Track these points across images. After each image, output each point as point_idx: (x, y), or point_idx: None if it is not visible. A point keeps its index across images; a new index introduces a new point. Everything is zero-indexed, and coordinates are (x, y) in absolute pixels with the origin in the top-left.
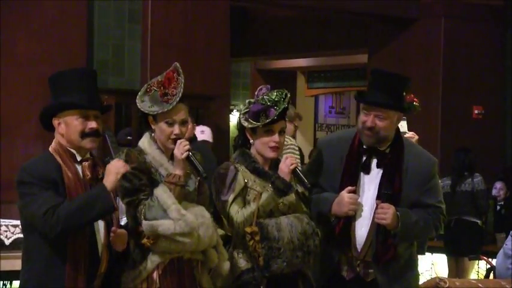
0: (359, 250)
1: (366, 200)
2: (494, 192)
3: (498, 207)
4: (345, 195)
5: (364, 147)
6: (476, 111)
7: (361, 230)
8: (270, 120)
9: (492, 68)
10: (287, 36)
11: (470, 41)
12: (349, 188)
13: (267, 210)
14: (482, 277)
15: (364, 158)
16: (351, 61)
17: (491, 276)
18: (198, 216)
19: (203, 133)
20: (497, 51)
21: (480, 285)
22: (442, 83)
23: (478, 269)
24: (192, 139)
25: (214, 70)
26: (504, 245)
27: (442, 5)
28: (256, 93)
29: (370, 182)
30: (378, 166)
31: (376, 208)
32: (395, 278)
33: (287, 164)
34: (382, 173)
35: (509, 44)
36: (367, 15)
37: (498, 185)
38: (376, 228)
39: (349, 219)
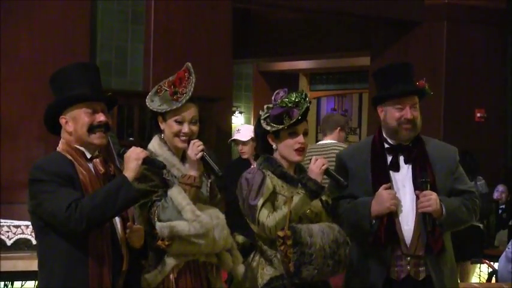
0: (408, 245)
1: (404, 196)
2: (496, 195)
3: (500, 211)
4: (383, 191)
5: (387, 146)
6: (478, 114)
7: (407, 225)
8: (294, 120)
9: (495, 71)
10: (289, 38)
11: (472, 44)
12: (385, 185)
13: (299, 213)
14: (484, 281)
15: (391, 157)
16: (353, 63)
17: (493, 279)
18: (213, 217)
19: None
20: (500, 54)
21: None
22: (445, 86)
23: (480, 272)
24: None
25: (216, 72)
26: (506, 249)
27: (444, 8)
28: (273, 97)
29: (403, 178)
30: (406, 162)
31: (417, 200)
32: (446, 276)
33: (318, 165)
34: (412, 167)
35: None
36: (370, 18)
37: (500, 188)
38: (422, 219)
39: (393, 217)
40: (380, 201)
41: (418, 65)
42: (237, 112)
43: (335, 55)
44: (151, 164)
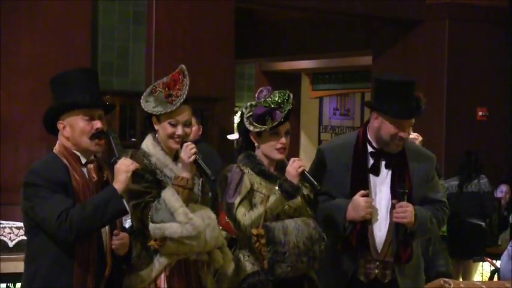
0: (379, 251)
1: (380, 202)
2: (499, 194)
3: (503, 210)
4: (360, 199)
5: (371, 150)
6: (480, 113)
7: (380, 231)
8: (276, 123)
9: (497, 69)
10: (292, 38)
11: (474, 43)
12: (362, 192)
13: (274, 213)
14: (487, 279)
15: (372, 161)
16: (356, 63)
17: (496, 278)
18: (205, 217)
19: None
20: (502, 53)
21: (484, 287)
22: (447, 85)
23: (482, 270)
24: (197, 141)
25: (218, 72)
26: (508, 247)
27: (446, 6)
28: (256, 95)
29: (381, 183)
30: (386, 167)
31: (393, 208)
32: (411, 278)
33: (295, 166)
34: (392, 174)
35: None
36: (372, 17)
37: (504, 187)
38: (395, 227)
39: (366, 223)
40: (356, 208)
41: (419, 64)
42: (239, 112)
43: (337, 55)
44: (140, 177)
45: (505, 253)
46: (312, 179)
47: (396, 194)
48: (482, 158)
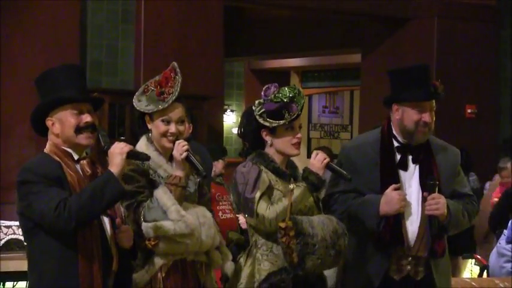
0: (412, 246)
1: (411, 196)
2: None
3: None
4: (394, 193)
5: (397, 145)
6: (469, 110)
7: (412, 225)
8: (295, 116)
9: (485, 67)
10: (281, 36)
11: (463, 41)
12: (394, 185)
13: (299, 206)
14: (476, 276)
15: (400, 156)
16: (345, 61)
17: (485, 275)
18: (200, 216)
19: None
20: (491, 51)
21: (474, 283)
22: None
23: (472, 267)
24: (189, 139)
25: (207, 70)
26: (498, 244)
27: (435, 4)
28: (263, 92)
29: (410, 178)
30: (413, 162)
31: (424, 201)
32: (445, 276)
33: (319, 159)
34: (420, 168)
35: (503, 43)
36: (361, 15)
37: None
38: (429, 222)
39: (399, 218)
40: (389, 202)
41: (408, 62)
42: (228, 110)
43: (326, 52)
44: (135, 157)
45: (494, 250)
46: (341, 170)
47: (426, 187)
48: (471, 156)
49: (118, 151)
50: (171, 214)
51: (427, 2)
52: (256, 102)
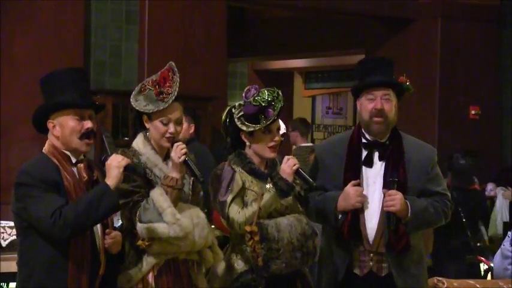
0: (371, 242)
1: (373, 193)
2: (487, 193)
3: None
4: (350, 188)
5: (364, 141)
6: (473, 112)
7: (371, 222)
8: (270, 121)
9: (489, 68)
10: (284, 37)
11: (467, 41)
12: (353, 181)
13: (268, 211)
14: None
15: (366, 152)
16: (348, 61)
17: (489, 276)
18: (194, 217)
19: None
20: (494, 52)
21: (478, 285)
22: (439, 83)
23: None
24: (190, 140)
25: (211, 71)
26: (502, 246)
27: (439, 5)
28: (244, 94)
29: (375, 175)
30: (380, 159)
31: (384, 197)
32: (409, 274)
33: (289, 164)
34: (385, 165)
35: (506, 44)
36: (364, 16)
37: (490, 186)
38: (386, 218)
39: (358, 213)
40: (346, 197)
41: (412, 63)
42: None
43: (330, 53)
44: (132, 171)
45: (499, 252)
46: (307, 176)
47: (386, 184)
48: (474, 157)
49: (115, 164)
50: (166, 216)
51: (431, 2)
52: (237, 104)
